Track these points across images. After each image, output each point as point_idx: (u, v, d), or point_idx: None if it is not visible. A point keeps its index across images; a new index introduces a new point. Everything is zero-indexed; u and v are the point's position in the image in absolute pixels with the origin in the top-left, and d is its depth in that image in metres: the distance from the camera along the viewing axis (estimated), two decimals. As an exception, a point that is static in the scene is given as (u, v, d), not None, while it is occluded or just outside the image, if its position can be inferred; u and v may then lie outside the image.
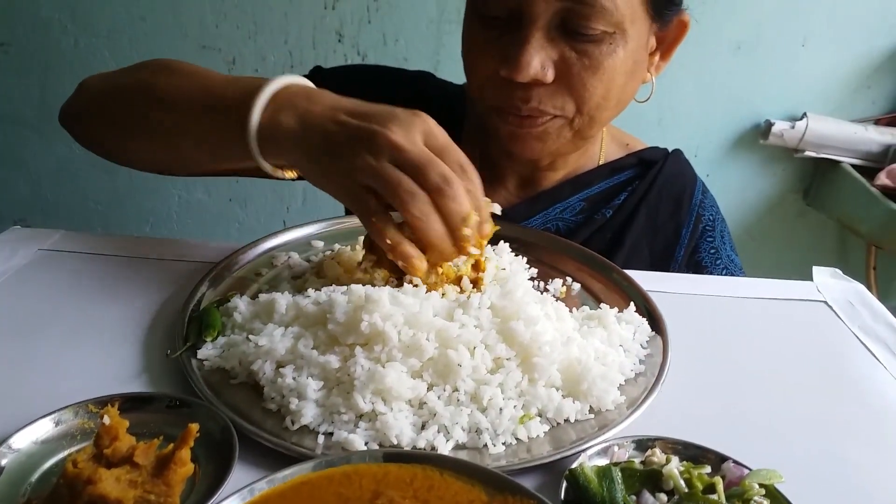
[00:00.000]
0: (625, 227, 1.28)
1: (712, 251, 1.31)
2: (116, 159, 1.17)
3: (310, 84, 0.96)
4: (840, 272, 1.17)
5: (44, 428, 0.68)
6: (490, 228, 0.90)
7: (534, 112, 1.10)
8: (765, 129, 2.57)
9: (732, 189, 2.72)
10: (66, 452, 0.67)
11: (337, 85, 1.34)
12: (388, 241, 0.84)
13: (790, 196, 2.75)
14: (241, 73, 2.55)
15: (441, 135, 0.87)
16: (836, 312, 1.07)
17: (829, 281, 1.15)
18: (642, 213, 1.29)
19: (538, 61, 1.04)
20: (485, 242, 0.90)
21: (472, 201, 0.86)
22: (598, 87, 1.08)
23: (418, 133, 0.84)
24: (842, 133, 2.52)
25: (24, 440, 0.66)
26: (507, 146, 1.18)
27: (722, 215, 1.37)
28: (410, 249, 0.85)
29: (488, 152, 1.31)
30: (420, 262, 0.86)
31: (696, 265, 1.31)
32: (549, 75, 1.05)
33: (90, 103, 1.15)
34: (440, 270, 0.89)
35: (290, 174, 0.98)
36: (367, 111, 0.87)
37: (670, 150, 1.38)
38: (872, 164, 2.51)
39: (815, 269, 1.16)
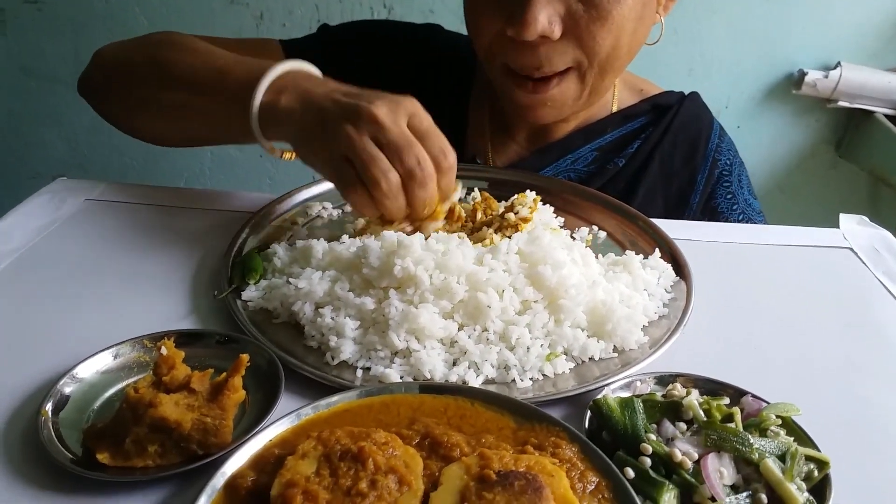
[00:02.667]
0: (638, 175, 1.28)
1: (729, 196, 1.30)
2: (128, 131, 1.23)
3: (313, 70, 1.00)
4: (866, 219, 1.18)
5: (104, 360, 0.73)
6: (448, 206, 0.95)
7: (545, 74, 1.09)
8: (797, 79, 2.51)
9: (763, 142, 2.68)
10: (125, 383, 0.72)
11: (345, 41, 1.36)
12: (357, 207, 0.90)
13: (822, 148, 2.70)
14: (269, 27, 2.57)
15: (426, 119, 0.89)
16: (860, 258, 1.08)
17: (855, 228, 1.16)
18: (656, 161, 1.28)
19: (545, 17, 1.02)
20: (442, 213, 0.95)
21: (443, 186, 0.90)
22: (607, 37, 1.06)
23: (403, 114, 0.87)
24: (876, 82, 2.45)
25: (86, 371, 0.72)
26: (522, 114, 1.19)
27: (740, 158, 1.35)
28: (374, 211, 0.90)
29: (497, 105, 1.31)
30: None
31: (711, 211, 1.30)
32: (557, 31, 1.04)
33: (102, 79, 1.20)
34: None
35: (287, 155, 1.02)
36: (360, 92, 0.91)
37: (692, 92, 1.36)
38: (908, 115, 2.45)
39: (842, 217, 1.17)
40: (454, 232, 0.95)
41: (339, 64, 1.13)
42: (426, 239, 0.87)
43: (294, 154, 1.00)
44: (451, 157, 0.90)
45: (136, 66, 1.12)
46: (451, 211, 0.97)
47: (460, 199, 0.98)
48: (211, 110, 1.01)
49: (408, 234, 0.88)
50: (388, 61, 1.34)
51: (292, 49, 1.31)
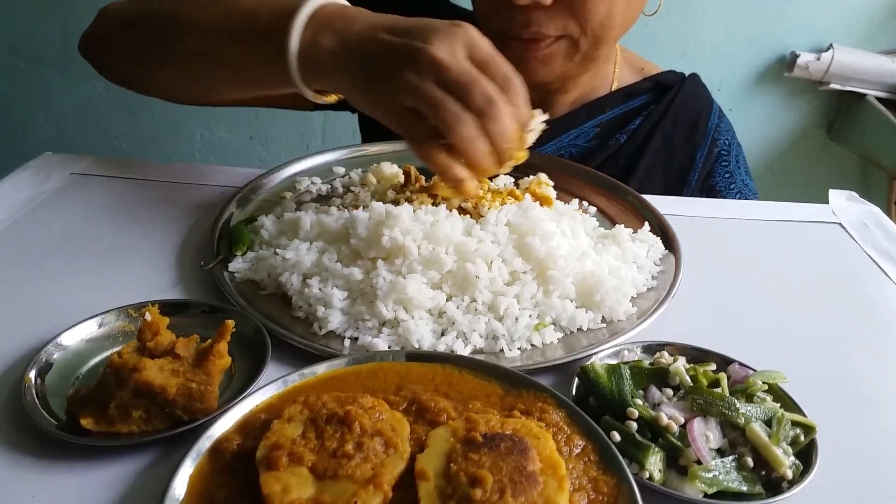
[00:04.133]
0: (639, 152, 1.28)
1: (727, 175, 1.31)
2: (141, 89, 1.16)
3: (344, 2, 0.92)
4: (856, 195, 1.18)
5: (88, 328, 0.73)
6: (533, 137, 0.88)
7: (536, 35, 1.09)
8: (790, 61, 2.51)
9: (755, 124, 2.69)
10: (109, 351, 0.72)
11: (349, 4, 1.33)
12: (438, 166, 0.82)
13: (813, 130, 2.71)
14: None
15: (485, 46, 0.83)
16: (850, 233, 1.09)
17: (844, 203, 1.16)
18: (657, 138, 1.29)
19: None
20: (525, 149, 0.88)
21: (517, 115, 0.83)
22: (599, 5, 1.06)
23: (461, 46, 0.81)
24: (868, 65, 2.46)
25: (71, 339, 0.71)
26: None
27: (738, 140, 1.37)
28: (460, 172, 0.83)
29: None
30: (471, 183, 0.84)
31: (709, 189, 1.31)
32: None
33: (113, 32, 1.12)
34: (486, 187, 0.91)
35: (331, 98, 0.96)
36: (407, 27, 0.84)
37: (687, 74, 1.37)
38: (899, 97, 2.46)
39: (832, 192, 1.17)
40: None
41: None
42: None
43: (338, 96, 0.94)
44: (517, 82, 0.84)
45: (149, 14, 1.04)
46: (407, 175, 0.95)
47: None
48: (240, 57, 0.93)
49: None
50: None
51: None
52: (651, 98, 1.32)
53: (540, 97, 1.29)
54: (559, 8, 1.06)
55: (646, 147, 1.28)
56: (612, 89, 1.32)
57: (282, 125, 2.77)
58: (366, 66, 0.83)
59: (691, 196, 1.29)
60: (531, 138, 0.87)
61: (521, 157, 0.86)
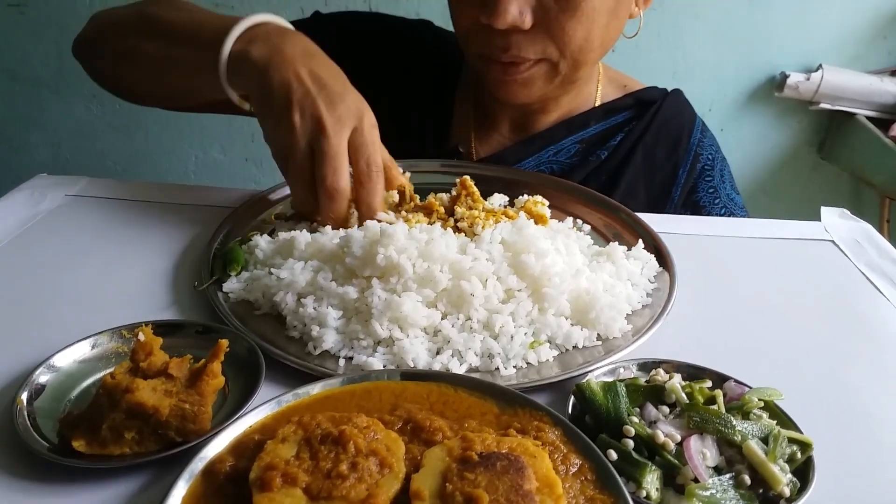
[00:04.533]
0: (620, 168, 1.29)
1: (711, 191, 1.31)
2: (116, 90, 1.25)
3: (287, 25, 1.03)
4: (848, 212, 1.19)
5: (81, 350, 0.72)
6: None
7: (515, 59, 1.10)
8: (780, 82, 2.54)
9: (746, 144, 2.71)
10: (102, 373, 0.71)
11: (336, 31, 1.36)
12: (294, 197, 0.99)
13: (804, 149, 2.73)
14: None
15: (368, 133, 0.94)
16: (842, 251, 1.09)
17: (836, 221, 1.17)
18: (638, 155, 1.29)
19: (515, 7, 1.04)
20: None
21: (362, 202, 0.94)
22: (577, 29, 1.08)
23: (349, 126, 0.93)
24: (857, 84, 2.49)
25: (63, 360, 0.71)
26: (494, 93, 1.20)
27: (722, 154, 1.36)
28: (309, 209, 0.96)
29: (482, 98, 1.32)
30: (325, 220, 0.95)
31: (693, 205, 1.31)
32: (528, 21, 1.05)
33: (96, 36, 1.22)
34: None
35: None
36: (325, 80, 0.95)
37: (669, 89, 1.37)
38: (888, 116, 2.49)
39: (824, 210, 1.18)
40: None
41: (326, 50, 1.13)
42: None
43: None
44: (374, 171, 0.94)
45: (124, 22, 1.15)
46: (401, 194, 1.01)
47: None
48: (186, 60, 1.04)
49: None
50: (377, 53, 1.35)
51: None
52: (632, 115, 1.32)
53: (522, 116, 1.30)
54: (538, 32, 1.08)
55: (627, 163, 1.29)
56: (595, 105, 1.33)
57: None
58: (276, 90, 0.93)
59: (674, 213, 1.29)
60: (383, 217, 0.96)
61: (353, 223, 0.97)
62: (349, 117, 0.93)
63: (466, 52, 1.20)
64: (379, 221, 0.91)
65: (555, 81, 1.16)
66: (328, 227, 0.93)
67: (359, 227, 0.91)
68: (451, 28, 1.36)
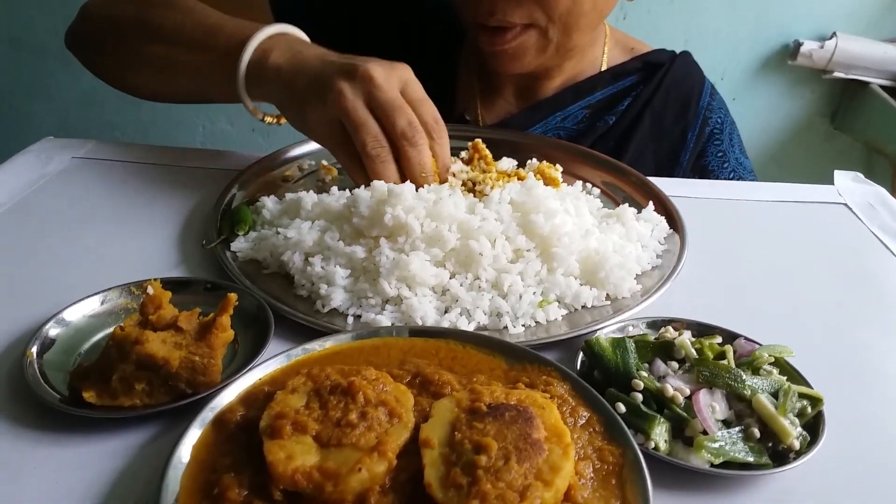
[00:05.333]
0: (628, 133, 1.27)
1: (719, 154, 1.29)
2: (117, 87, 1.21)
3: (303, 36, 1.00)
4: (861, 176, 1.17)
5: (91, 305, 0.73)
6: (455, 183, 0.93)
7: (502, 23, 1.08)
8: (793, 50, 2.50)
9: (759, 114, 2.67)
10: (112, 328, 0.71)
11: (336, 1, 1.33)
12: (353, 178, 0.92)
13: (817, 119, 2.69)
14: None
15: (419, 88, 0.91)
16: (855, 214, 1.08)
17: (849, 184, 1.15)
18: (647, 119, 1.27)
19: None
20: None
21: (439, 152, 0.90)
22: None
23: (397, 79, 0.89)
24: (872, 53, 2.44)
25: (73, 315, 0.71)
26: (489, 63, 1.19)
27: (731, 118, 1.34)
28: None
29: (486, 64, 1.30)
30: None
31: (701, 170, 1.29)
32: None
33: (91, 33, 1.18)
34: None
35: (270, 119, 1.03)
36: (354, 56, 0.91)
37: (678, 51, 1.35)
38: (903, 85, 2.45)
39: (837, 173, 1.16)
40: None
41: (324, 18, 1.12)
42: None
43: (276, 119, 1.02)
44: (442, 125, 0.91)
45: (124, 21, 1.10)
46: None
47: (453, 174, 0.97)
48: (200, 67, 1.01)
49: None
50: (374, 19, 1.33)
51: (279, 3, 1.29)
52: (640, 78, 1.30)
53: (525, 82, 1.29)
54: None
55: (635, 128, 1.27)
56: (602, 69, 1.30)
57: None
58: (306, 80, 0.90)
59: (683, 177, 1.28)
60: (453, 182, 0.93)
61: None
62: (393, 70, 0.89)
63: (463, 20, 1.19)
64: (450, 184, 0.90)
65: (548, 50, 1.14)
66: (334, 188, 0.92)
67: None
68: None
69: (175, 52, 1.03)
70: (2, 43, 2.68)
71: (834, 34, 2.47)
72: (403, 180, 0.88)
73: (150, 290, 0.65)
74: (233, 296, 0.65)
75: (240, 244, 0.87)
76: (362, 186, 0.87)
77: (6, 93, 2.79)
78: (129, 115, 2.82)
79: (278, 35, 0.97)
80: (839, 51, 2.45)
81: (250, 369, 0.63)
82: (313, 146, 1.12)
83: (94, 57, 1.19)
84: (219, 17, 1.03)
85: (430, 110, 0.90)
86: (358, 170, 0.90)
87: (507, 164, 1.07)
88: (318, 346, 0.67)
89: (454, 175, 0.94)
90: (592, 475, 0.56)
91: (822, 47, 2.46)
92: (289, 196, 0.93)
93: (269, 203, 0.93)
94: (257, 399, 0.60)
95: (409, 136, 0.87)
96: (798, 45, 2.49)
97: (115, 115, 2.83)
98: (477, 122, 1.31)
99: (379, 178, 0.87)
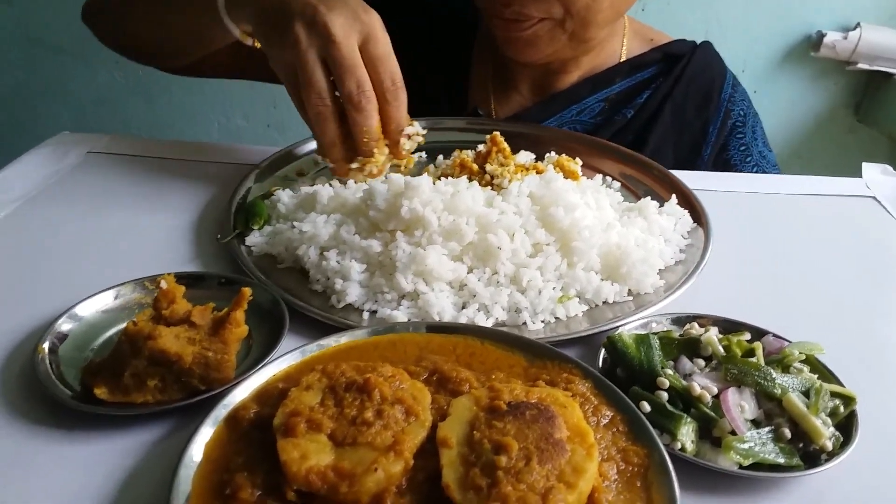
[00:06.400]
0: (647, 127, 1.23)
1: (742, 148, 1.26)
2: (122, 48, 1.22)
3: None
4: (890, 168, 1.14)
5: (104, 300, 0.72)
6: (410, 145, 0.90)
7: (518, 16, 1.06)
8: (816, 41, 2.44)
9: (781, 106, 2.62)
10: (125, 323, 0.70)
11: None
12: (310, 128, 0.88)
13: (841, 112, 2.64)
14: None
15: (382, 43, 0.86)
16: (884, 207, 1.05)
17: (878, 177, 1.12)
18: (667, 112, 1.23)
19: None
20: (405, 155, 0.91)
21: (393, 115, 0.86)
22: None
23: (357, 33, 0.84)
24: (898, 43, 2.39)
25: (86, 310, 0.70)
26: (504, 50, 1.16)
27: (754, 109, 1.30)
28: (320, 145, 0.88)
29: (501, 57, 1.27)
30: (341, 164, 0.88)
31: (724, 163, 1.26)
32: None
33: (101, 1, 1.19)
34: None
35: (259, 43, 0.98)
36: None
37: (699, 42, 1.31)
38: (930, 76, 2.39)
39: (865, 165, 1.13)
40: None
41: None
42: (375, 177, 0.87)
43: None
44: (400, 87, 0.86)
45: None
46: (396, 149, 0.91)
47: (420, 148, 0.94)
48: (186, 4, 1.00)
49: (349, 172, 0.88)
50: (385, 15, 1.31)
51: None
52: (660, 70, 1.26)
53: (541, 76, 1.26)
54: None
55: (655, 122, 1.23)
56: (621, 60, 1.27)
57: (298, 114, 2.75)
58: (273, 8, 0.87)
59: (705, 171, 1.24)
60: (408, 144, 0.90)
61: (409, 160, 0.91)
62: (356, 21, 0.84)
63: (480, 8, 1.17)
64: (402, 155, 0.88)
65: (562, 39, 1.11)
66: (351, 182, 0.91)
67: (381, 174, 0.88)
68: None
69: None
70: (19, 41, 2.70)
71: (858, 24, 2.41)
72: (346, 141, 0.87)
73: (164, 285, 0.64)
74: (247, 290, 0.64)
75: (255, 238, 0.86)
76: (379, 180, 0.86)
77: (24, 90, 2.80)
78: (145, 111, 2.83)
79: None
80: (863, 42, 2.40)
81: (264, 365, 0.62)
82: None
83: (102, 19, 1.21)
84: None
85: (389, 69, 0.86)
86: (306, 120, 0.88)
87: (525, 157, 1.05)
88: (332, 342, 0.66)
89: (409, 137, 0.89)
90: (616, 477, 0.54)
91: (845, 38, 2.41)
92: (304, 189, 0.92)
93: (284, 197, 0.92)
94: (271, 396, 0.59)
95: (356, 100, 0.83)
96: (821, 36, 2.43)
97: (130, 111, 2.83)
98: (490, 116, 1.28)
99: (317, 136, 0.86)
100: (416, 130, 0.90)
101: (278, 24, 0.85)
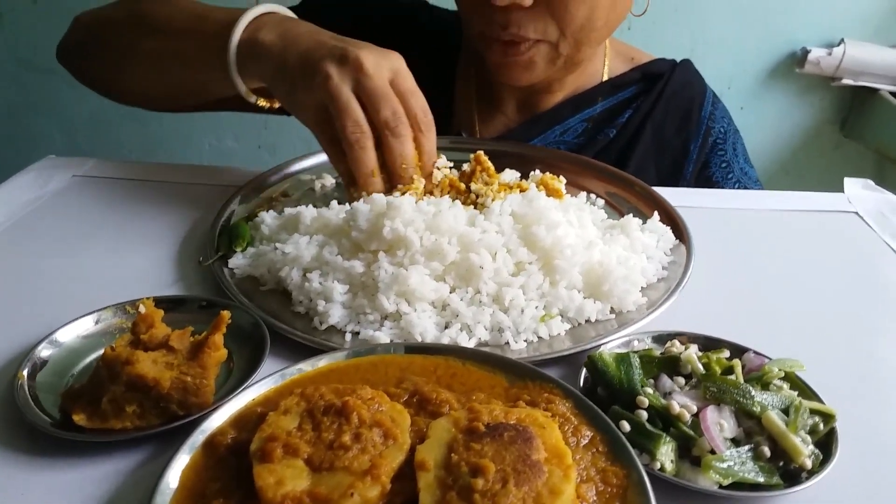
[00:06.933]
0: (629, 146, 1.24)
1: (724, 165, 1.27)
2: (109, 92, 1.21)
3: (291, 14, 1.00)
4: (872, 183, 1.15)
5: (85, 325, 0.71)
6: (439, 177, 0.93)
7: (515, 37, 1.06)
8: (801, 57, 2.47)
9: (767, 122, 2.64)
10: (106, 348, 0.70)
11: (329, 12, 1.33)
12: (339, 172, 0.92)
13: (827, 127, 2.66)
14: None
15: (410, 79, 0.89)
16: (866, 222, 1.05)
17: (860, 192, 1.13)
18: (648, 131, 1.24)
19: None
20: (434, 186, 0.93)
21: (425, 144, 0.89)
22: (580, 8, 1.03)
23: (387, 68, 0.88)
24: (881, 59, 2.41)
25: (66, 335, 0.70)
26: (496, 76, 1.17)
27: (735, 126, 1.31)
28: (357, 183, 0.89)
29: (484, 78, 1.28)
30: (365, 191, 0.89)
31: (706, 180, 1.26)
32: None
33: (85, 37, 1.18)
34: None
35: (264, 101, 1.02)
36: (344, 38, 0.90)
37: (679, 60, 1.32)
38: (913, 91, 2.42)
39: (847, 181, 1.14)
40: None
41: None
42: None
43: (269, 102, 1.01)
44: (431, 119, 0.89)
45: (115, 21, 1.12)
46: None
47: (444, 176, 0.96)
48: (190, 52, 1.01)
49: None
50: (370, 35, 1.32)
51: None
52: (640, 89, 1.27)
53: (525, 97, 1.27)
54: (539, 10, 1.03)
55: (636, 141, 1.24)
56: (602, 80, 1.28)
57: (289, 134, 2.76)
58: (296, 58, 0.89)
59: (686, 188, 1.25)
60: (439, 175, 0.93)
61: (417, 187, 0.91)
62: (385, 58, 0.88)
63: (469, 33, 1.18)
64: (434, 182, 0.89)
65: (557, 63, 1.12)
66: (334, 202, 0.91)
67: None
68: (447, 6, 1.33)
69: (166, 42, 1.03)
70: (10, 63, 2.71)
71: (842, 41, 2.45)
72: (384, 170, 0.88)
73: (142, 309, 0.64)
74: (225, 313, 0.64)
75: (237, 261, 0.86)
76: (361, 200, 0.86)
77: (16, 112, 2.81)
78: (136, 134, 2.84)
79: (268, 14, 0.97)
80: (847, 58, 2.43)
81: (243, 390, 0.62)
82: (313, 161, 1.11)
83: (88, 63, 1.19)
84: (207, 6, 1.05)
85: (419, 102, 0.89)
86: (338, 154, 0.89)
87: (511, 175, 1.05)
88: (310, 366, 0.66)
89: (439, 169, 0.92)
90: (595, 498, 0.53)
91: (829, 54, 2.44)
92: (287, 211, 0.92)
93: (267, 218, 0.92)
94: (249, 421, 0.59)
95: (392, 125, 0.86)
96: (805, 52, 2.47)
97: (122, 133, 2.84)
98: (474, 137, 1.29)
99: (356, 164, 0.87)
100: (444, 163, 0.94)
101: (306, 68, 0.88)
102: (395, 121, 0.86)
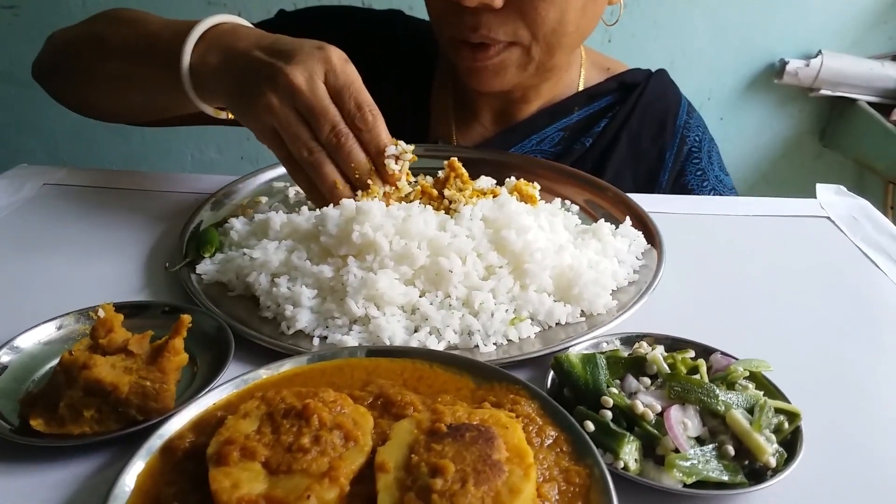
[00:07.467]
0: (605, 155, 1.25)
1: (699, 173, 1.27)
2: (81, 111, 1.21)
3: (241, 21, 0.98)
4: (844, 189, 1.16)
5: (46, 331, 0.70)
6: (398, 167, 0.89)
7: (485, 40, 1.06)
8: (779, 69, 2.51)
9: (748, 134, 2.67)
10: (68, 354, 0.69)
11: (303, 26, 1.33)
12: (300, 186, 0.91)
13: (806, 138, 2.70)
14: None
15: (342, 72, 0.87)
16: (838, 227, 1.06)
17: (832, 197, 1.14)
18: (623, 140, 1.25)
19: None
20: (399, 176, 0.90)
21: (372, 142, 0.87)
22: (550, 10, 1.03)
23: (319, 73, 0.85)
24: (858, 70, 2.45)
25: (27, 341, 0.69)
26: (466, 81, 1.16)
27: (710, 135, 1.32)
28: (320, 192, 0.88)
29: (461, 89, 1.28)
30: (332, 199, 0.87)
31: (681, 189, 1.27)
32: (498, 0, 1.00)
33: (53, 58, 1.18)
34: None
35: (231, 115, 0.99)
36: (279, 47, 0.89)
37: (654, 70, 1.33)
38: (889, 101, 2.45)
39: (819, 186, 1.15)
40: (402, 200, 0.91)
41: None
42: (386, 207, 0.85)
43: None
44: (367, 111, 0.86)
45: (77, 41, 1.12)
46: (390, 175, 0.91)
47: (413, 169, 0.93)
48: (147, 79, 1.00)
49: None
50: (345, 47, 1.32)
51: None
52: (616, 98, 1.28)
53: (502, 106, 1.27)
54: (509, 12, 1.03)
55: (612, 150, 1.25)
56: (578, 90, 1.29)
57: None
58: (238, 80, 0.88)
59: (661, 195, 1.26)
60: (396, 167, 0.89)
61: (402, 187, 0.90)
62: (312, 60, 0.85)
63: (440, 38, 1.17)
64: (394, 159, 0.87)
65: (529, 69, 1.12)
66: (304, 208, 0.91)
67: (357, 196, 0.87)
68: (424, 15, 1.33)
69: (123, 67, 1.02)
70: (-11, 77, 2.70)
71: (819, 52, 2.48)
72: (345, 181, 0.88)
73: (101, 313, 0.63)
74: (186, 317, 0.63)
75: (205, 266, 0.85)
76: (331, 205, 0.86)
77: (-4, 125, 2.80)
78: (119, 146, 2.83)
79: (213, 29, 0.95)
80: (825, 69, 2.46)
81: (205, 394, 0.61)
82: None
83: (54, 81, 1.19)
84: (159, 24, 1.02)
85: (352, 96, 0.86)
86: (299, 174, 0.89)
87: (486, 182, 1.05)
88: (273, 370, 0.65)
89: (396, 159, 0.88)
90: (558, 497, 0.53)
91: (807, 65, 2.48)
92: (257, 217, 0.92)
93: (237, 224, 0.91)
94: (209, 425, 0.58)
95: (335, 143, 0.85)
96: (783, 63, 2.50)
97: (103, 147, 2.83)
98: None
99: (318, 181, 0.87)
100: (401, 149, 0.90)
101: (246, 96, 0.87)
102: (335, 136, 0.85)
